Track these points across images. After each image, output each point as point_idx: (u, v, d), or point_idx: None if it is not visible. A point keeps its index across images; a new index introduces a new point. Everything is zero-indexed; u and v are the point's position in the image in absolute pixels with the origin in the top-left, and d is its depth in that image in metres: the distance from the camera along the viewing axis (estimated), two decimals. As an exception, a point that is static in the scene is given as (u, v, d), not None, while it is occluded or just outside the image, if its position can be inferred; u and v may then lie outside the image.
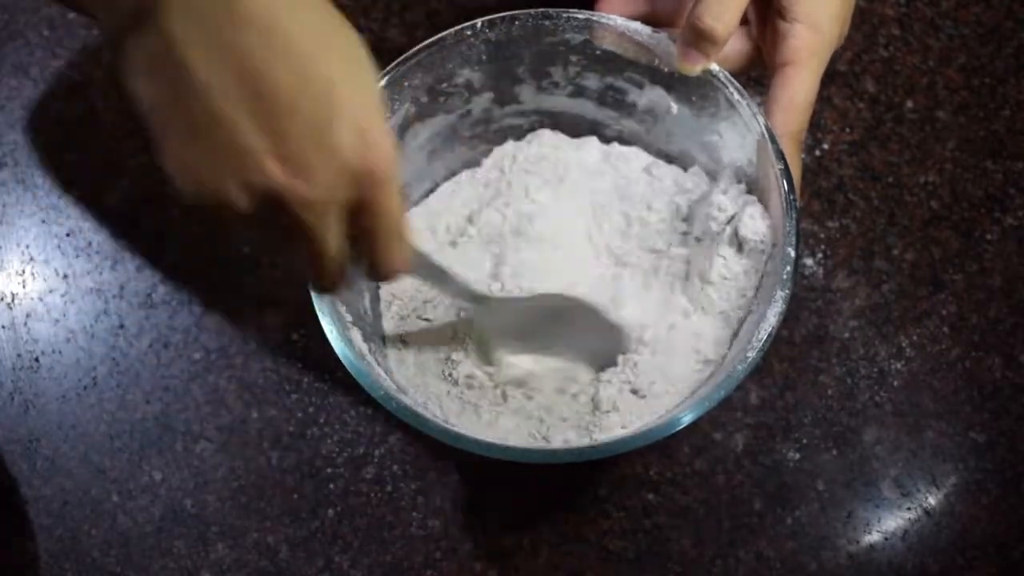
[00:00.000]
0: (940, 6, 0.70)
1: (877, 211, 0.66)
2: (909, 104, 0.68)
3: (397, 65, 0.57)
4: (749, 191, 0.58)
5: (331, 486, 0.61)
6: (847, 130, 0.67)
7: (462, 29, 0.58)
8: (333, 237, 0.45)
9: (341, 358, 0.53)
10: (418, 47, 0.58)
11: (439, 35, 0.58)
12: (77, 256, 0.66)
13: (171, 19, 0.42)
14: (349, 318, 0.56)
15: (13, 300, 0.66)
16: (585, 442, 0.55)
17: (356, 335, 0.55)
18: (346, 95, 0.44)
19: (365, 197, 0.45)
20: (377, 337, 0.59)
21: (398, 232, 0.47)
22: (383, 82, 0.57)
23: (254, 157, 0.42)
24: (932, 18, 0.70)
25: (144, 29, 0.42)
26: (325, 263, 0.46)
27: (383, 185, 0.45)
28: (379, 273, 0.48)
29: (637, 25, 0.58)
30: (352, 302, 0.57)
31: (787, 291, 0.52)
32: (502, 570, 0.60)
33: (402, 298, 0.60)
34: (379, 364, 0.56)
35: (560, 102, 0.63)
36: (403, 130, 0.60)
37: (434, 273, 0.55)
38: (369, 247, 0.46)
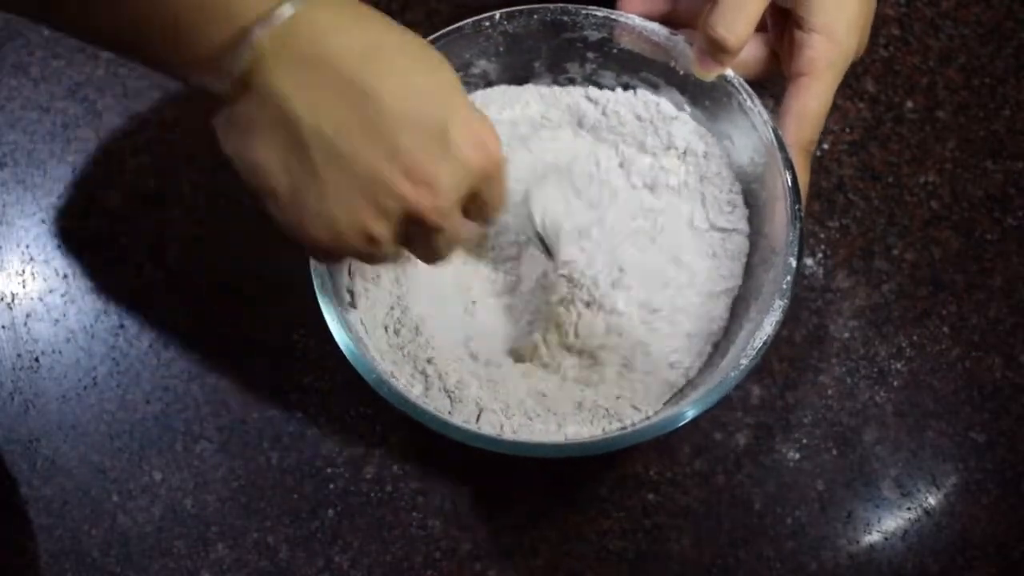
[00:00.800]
0: (940, 6, 0.70)
1: (877, 211, 0.66)
2: (909, 104, 0.68)
3: None
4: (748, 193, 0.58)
5: (331, 486, 0.61)
6: (847, 130, 0.67)
7: (480, 20, 0.58)
8: (458, 224, 0.48)
9: (336, 339, 0.53)
10: (435, 35, 0.58)
11: (457, 24, 0.58)
12: (77, 256, 0.66)
13: (275, 75, 0.43)
14: (348, 299, 0.56)
15: (13, 300, 0.66)
16: (583, 438, 0.55)
17: (354, 317, 0.55)
18: (452, 99, 0.46)
19: (481, 188, 0.47)
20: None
21: (506, 192, 0.50)
22: None
23: (384, 182, 0.44)
24: (932, 18, 0.70)
25: (249, 91, 0.44)
26: (449, 246, 0.49)
27: (498, 178, 0.48)
28: (492, 221, 0.51)
29: (655, 26, 0.58)
30: (354, 285, 0.57)
31: (785, 300, 0.52)
32: (502, 570, 0.60)
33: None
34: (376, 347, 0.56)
35: None
36: None
37: None
38: (479, 217, 0.50)
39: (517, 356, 0.58)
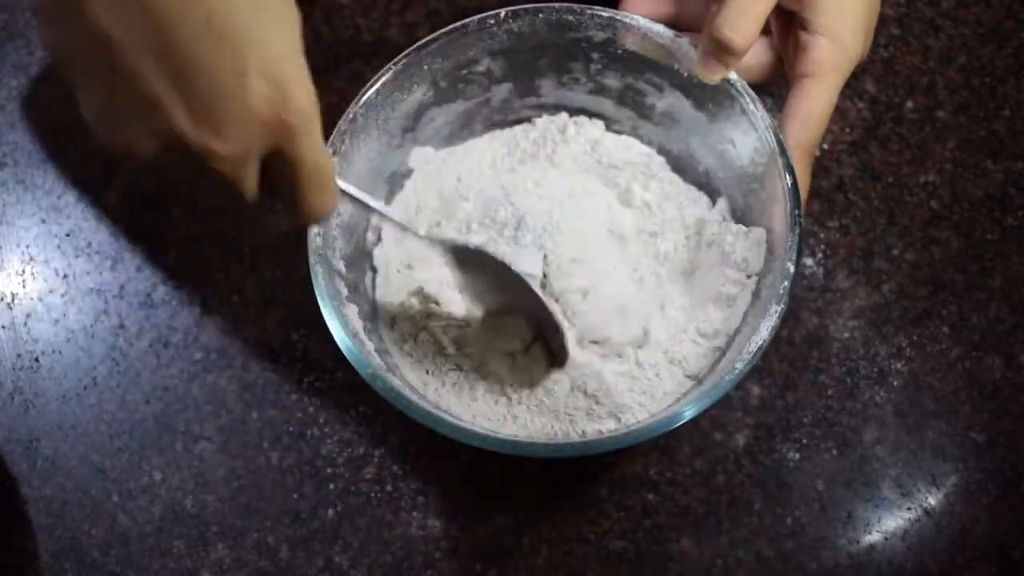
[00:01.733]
0: (940, 6, 0.70)
1: (877, 211, 0.66)
2: (909, 104, 0.68)
3: (418, 48, 0.58)
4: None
5: (331, 486, 0.61)
6: (847, 130, 0.67)
7: (485, 18, 0.58)
8: (249, 184, 0.44)
9: (332, 333, 0.53)
10: (440, 32, 0.58)
11: (462, 22, 0.58)
12: (77, 256, 0.66)
13: None
14: (345, 293, 0.56)
15: (13, 300, 0.66)
16: (583, 438, 0.55)
17: (352, 311, 0.55)
18: (257, 47, 0.42)
19: (282, 148, 0.44)
20: (375, 315, 0.59)
21: (319, 181, 0.46)
22: (400, 64, 0.57)
23: (160, 108, 0.42)
24: (932, 18, 0.70)
25: None
26: (245, 202, 0.45)
27: (301, 136, 0.44)
28: (297, 219, 0.47)
29: (660, 27, 0.58)
30: (353, 278, 0.57)
31: (783, 305, 0.52)
32: (502, 570, 0.60)
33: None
34: (375, 344, 0.56)
35: (579, 98, 0.63)
36: (419, 113, 0.60)
37: (363, 211, 0.55)
38: (287, 194, 0.46)
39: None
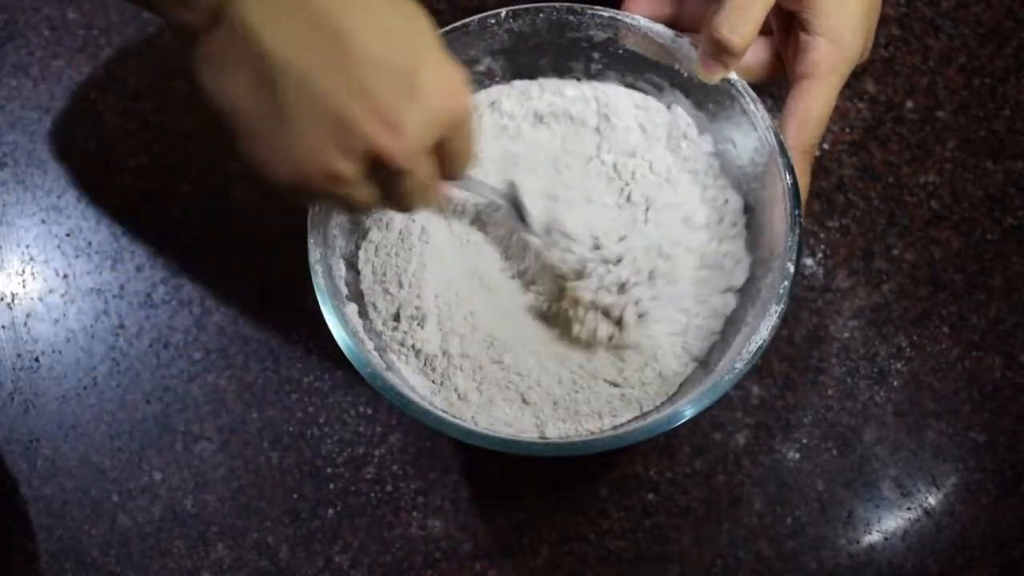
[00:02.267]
0: (940, 6, 0.70)
1: (877, 211, 0.66)
2: (909, 104, 0.68)
3: None
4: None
5: (331, 486, 0.61)
6: (847, 130, 0.67)
7: (486, 17, 0.58)
8: (428, 170, 0.48)
9: (332, 332, 0.53)
10: (441, 31, 0.58)
11: (463, 21, 0.58)
12: (77, 256, 0.66)
13: (247, 8, 0.43)
14: (345, 292, 0.56)
15: (13, 300, 0.66)
16: (581, 435, 0.55)
17: (351, 310, 0.55)
18: (424, 45, 0.46)
19: (450, 137, 0.47)
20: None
21: (474, 145, 0.50)
22: None
23: (350, 121, 0.44)
24: (932, 18, 0.70)
25: (222, 25, 0.44)
26: (420, 194, 0.49)
27: (467, 122, 0.48)
28: (461, 176, 0.52)
29: (660, 28, 0.58)
30: (353, 277, 0.57)
31: (782, 306, 0.52)
32: (502, 570, 0.60)
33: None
34: (375, 343, 0.56)
35: None
36: None
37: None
38: (450, 169, 0.50)
39: (541, 315, 0.59)
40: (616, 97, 0.62)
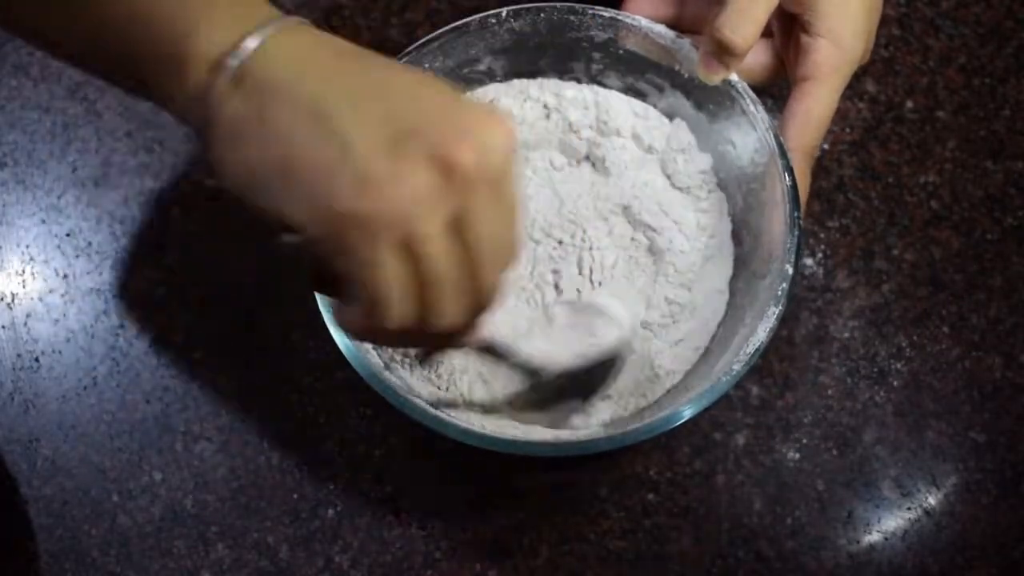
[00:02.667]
0: (940, 6, 0.70)
1: (877, 211, 0.66)
2: (909, 104, 0.68)
3: (419, 47, 0.58)
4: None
5: (331, 486, 0.61)
6: (847, 130, 0.67)
7: (487, 17, 0.58)
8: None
9: (332, 333, 0.53)
10: (441, 31, 0.58)
11: (463, 20, 0.58)
12: (77, 256, 0.66)
13: (275, 61, 0.41)
14: None
15: (13, 300, 0.66)
16: (582, 435, 0.55)
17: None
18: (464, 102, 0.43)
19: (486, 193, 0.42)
20: None
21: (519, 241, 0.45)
22: (402, 61, 0.57)
23: (418, 129, 0.40)
24: (932, 18, 0.70)
25: (242, 87, 0.41)
26: (454, 293, 0.42)
27: (511, 173, 0.43)
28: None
29: (661, 28, 0.58)
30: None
31: (781, 307, 0.52)
32: (502, 570, 0.60)
33: None
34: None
35: None
36: None
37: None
38: (488, 260, 0.43)
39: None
40: (615, 104, 0.61)
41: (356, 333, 0.46)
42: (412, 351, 0.57)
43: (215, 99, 0.41)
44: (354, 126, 0.40)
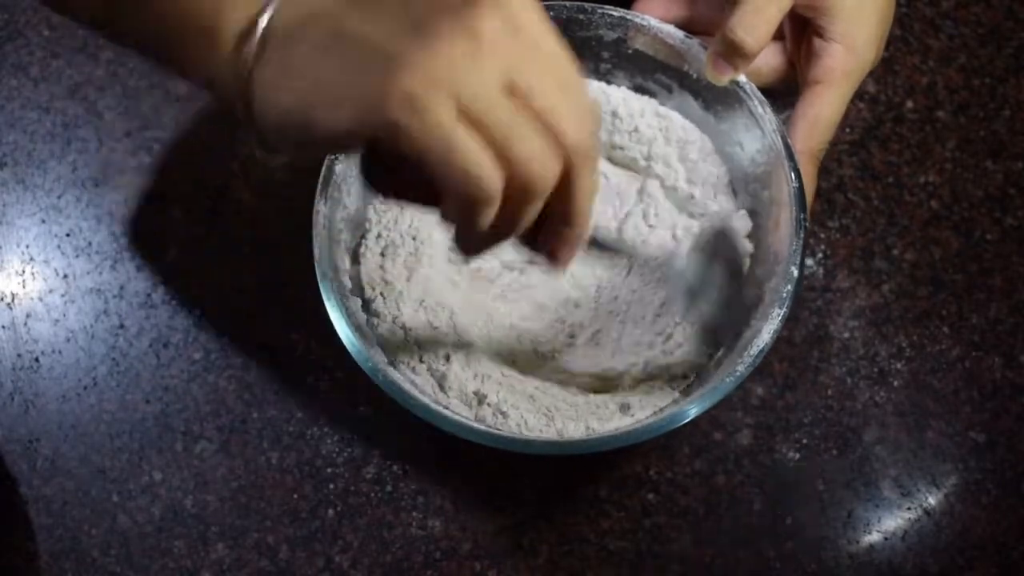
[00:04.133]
0: (940, 6, 0.70)
1: (877, 211, 0.66)
2: (909, 104, 0.68)
3: None
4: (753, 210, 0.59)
5: (331, 486, 0.61)
6: (847, 130, 0.67)
7: None
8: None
9: (335, 325, 0.53)
10: None
11: None
12: (77, 256, 0.66)
13: (291, 21, 0.41)
14: (349, 287, 0.56)
15: (13, 300, 0.66)
16: (582, 435, 0.55)
17: (355, 304, 0.55)
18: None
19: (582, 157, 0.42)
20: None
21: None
22: None
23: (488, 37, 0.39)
24: (932, 18, 0.70)
25: (268, 46, 0.41)
26: (525, 210, 0.41)
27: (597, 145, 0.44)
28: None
29: (671, 28, 0.58)
30: (356, 272, 0.57)
31: (785, 309, 0.52)
32: (502, 570, 0.60)
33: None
34: (378, 337, 0.56)
35: None
36: None
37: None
38: (574, 203, 0.43)
39: (539, 356, 0.58)
40: (633, 103, 0.62)
41: (469, 233, 0.43)
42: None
43: (246, 65, 0.42)
44: (373, 29, 0.40)
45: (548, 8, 0.58)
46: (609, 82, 0.62)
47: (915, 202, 0.66)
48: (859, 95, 0.68)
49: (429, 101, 0.38)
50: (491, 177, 0.40)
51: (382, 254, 0.60)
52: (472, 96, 0.39)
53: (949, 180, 0.66)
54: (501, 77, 0.39)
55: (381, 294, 0.58)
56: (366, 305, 0.58)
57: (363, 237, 0.60)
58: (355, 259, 0.58)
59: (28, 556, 0.61)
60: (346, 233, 0.57)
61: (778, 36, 0.57)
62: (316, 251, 0.54)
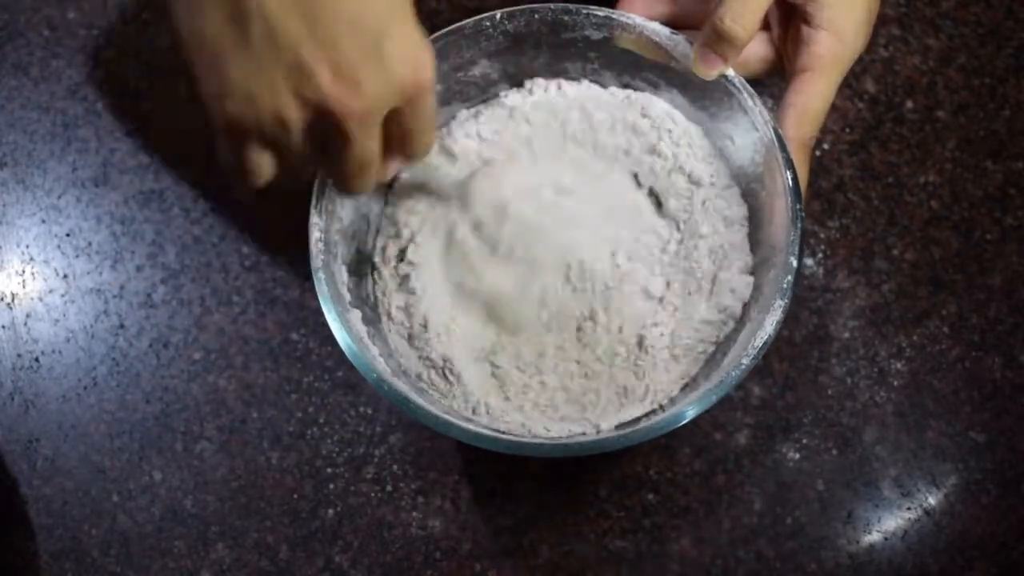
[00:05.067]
0: (940, 6, 0.70)
1: (877, 211, 0.66)
2: (909, 104, 0.68)
3: None
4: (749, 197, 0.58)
5: (331, 486, 0.61)
6: (847, 130, 0.67)
7: (481, 19, 0.58)
8: (374, 143, 0.48)
9: (337, 339, 0.53)
10: (435, 35, 0.58)
11: (458, 24, 0.58)
12: (77, 256, 0.66)
13: None
14: (348, 298, 0.56)
15: (13, 300, 0.66)
16: (583, 436, 0.55)
17: (355, 316, 0.55)
18: (397, 12, 0.47)
19: (405, 110, 0.48)
20: (378, 319, 0.59)
21: (433, 125, 0.51)
22: None
23: (309, 69, 0.45)
24: (932, 18, 0.70)
25: None
26: (360, 167, 0.49)
27: (426, 97, 0.48)
28: (414, 158, 0.52)
29: (656, 26, 0.58)
30: (355, 283, 0.57)
31: (786, 300, 0.52)
32: (502, 570, 0.60)
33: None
34: (379, 348, 0.56)
35: None
36: None
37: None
38: (407, 147, 0.51)
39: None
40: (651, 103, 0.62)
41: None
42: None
43: None
44: (261, 44, 0.45)
45: (533, 11, 0.58)
46: (603, 85, 0.62)
47: (915, 202, 0.66)
48: (859, 95, 0.68)
49: (248, 140, 0.48)
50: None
51: (382, 264, 0.60)
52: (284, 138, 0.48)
53: (949, 180, 0.66)
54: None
55: (381, 304, 0.58)
56: (367, 314, 0.58)
57: (360, 248, 0.60)
58: (352, 270, 0.58)
59: (28, 556, 0.61)
60: (342, 246, 0.57)
61: (763, 27, 0.57)
62: (314, 265, 0.54)
